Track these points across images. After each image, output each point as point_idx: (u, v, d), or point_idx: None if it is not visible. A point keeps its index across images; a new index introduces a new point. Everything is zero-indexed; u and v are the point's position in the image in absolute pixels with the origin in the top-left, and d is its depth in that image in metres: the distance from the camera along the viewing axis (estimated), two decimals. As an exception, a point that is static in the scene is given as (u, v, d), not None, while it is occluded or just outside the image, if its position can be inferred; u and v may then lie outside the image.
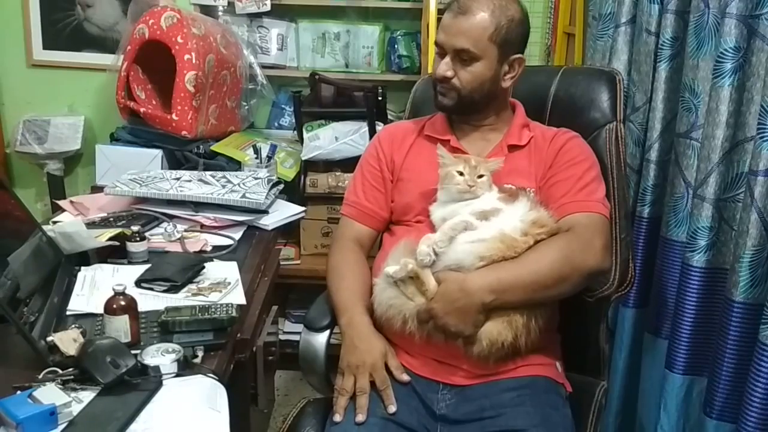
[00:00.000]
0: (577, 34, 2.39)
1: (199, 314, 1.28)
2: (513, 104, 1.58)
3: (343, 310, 1.43)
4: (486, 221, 1.35)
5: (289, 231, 2.41)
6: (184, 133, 2.29)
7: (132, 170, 1.99)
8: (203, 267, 1.53)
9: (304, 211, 2.04)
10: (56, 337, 1.18)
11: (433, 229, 1.42)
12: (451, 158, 1.43)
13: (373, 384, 1.34)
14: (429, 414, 1.35)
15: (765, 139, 1.35)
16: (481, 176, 1.39)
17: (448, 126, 1.55)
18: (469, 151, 1.50)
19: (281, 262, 2.15)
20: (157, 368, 1.15)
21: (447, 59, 1.45)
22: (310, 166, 2.48)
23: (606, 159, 1.56)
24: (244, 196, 1.83)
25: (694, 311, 1.60)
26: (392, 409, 1.31)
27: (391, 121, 2.46)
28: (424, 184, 1.47)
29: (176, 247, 1.68)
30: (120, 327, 1.22)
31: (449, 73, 1.45)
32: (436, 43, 1.48)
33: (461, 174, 1.39)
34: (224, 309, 1.30)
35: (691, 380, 1.64)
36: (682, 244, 1.66)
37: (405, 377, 1.36)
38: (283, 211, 1.94)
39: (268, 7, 2.61)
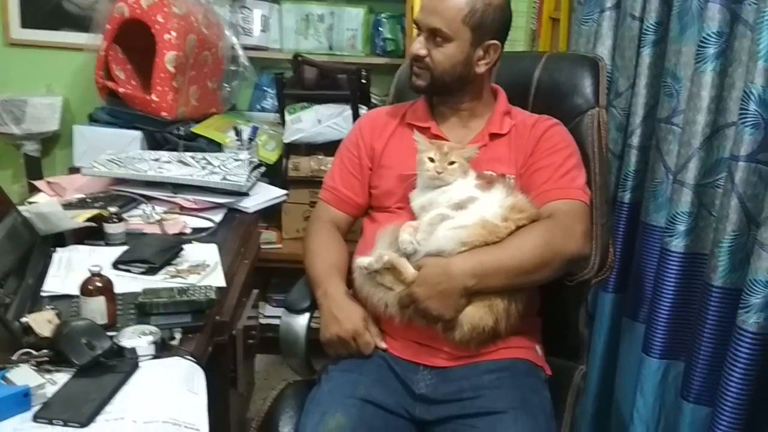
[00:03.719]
0: (562, 19, 2.39)
1: (177, 296, 1.28)
2: (495, 90, 1.57)
3: (318, 283, 1.45)
4: (464, 210, 1.35)
5: (271, 214, 2.40)
6: (164, 114, 2.26)
7: (110, 150, 1.96)
8: (182, 249, 1.52)
9: (286, 194, 2.03)
10: (31, 319, 1.17)
11: (413, 215, 1.42)
12: (426, 144, 1.43)
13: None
14: (408, 394, 1.35)
15: (747, 124, 1.35)
16: (452, 163, 1.39)
17: (429, 112, 1.55)
18: (450, 139, 1.50)
19: (262, 246, 2.13)
20: (133, 350, 1.14)
21: (422, 38, 1.45)
22: (292, 149, 2.47)
23: (588, 144, 1.56)
24: (224, 178, 1.82)
25: (671, 296, 1.61)
26: (384, 345, 1.39)
27: (375, 104, 2.45)
28: (404, 170, 1.47)
29: (155, 229, 1.66)
30: (96, 308, 1.20)
31: (422, 52, 1.44)
32: (414, 21, 1.47)
33: (432, 160, 1.39)
34: (203, 291, 1.30)
35: (667, 364, 1.65)
36: (662, 229, 1.67)
37: (383, 344, 1.39)
38: (265, 194, 1.93)
39: (250, -13, 2.58)
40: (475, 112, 1.53)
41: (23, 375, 1.05)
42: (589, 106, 1.60)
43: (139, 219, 1.70)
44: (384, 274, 1.34)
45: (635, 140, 1.81)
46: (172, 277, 1.41)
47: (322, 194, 1.61)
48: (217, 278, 1.44)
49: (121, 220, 1.59)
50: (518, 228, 1.35)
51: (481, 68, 1.47)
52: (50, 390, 1.05)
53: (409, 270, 1.33)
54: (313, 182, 2.42)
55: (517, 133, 1.50)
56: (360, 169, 1.57)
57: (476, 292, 1.32)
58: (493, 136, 1.50)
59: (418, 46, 1.45)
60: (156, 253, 1.46)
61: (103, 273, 1.24)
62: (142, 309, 1.26)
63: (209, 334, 1.31)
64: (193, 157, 1.94)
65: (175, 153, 2.01)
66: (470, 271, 1.30)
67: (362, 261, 1.36)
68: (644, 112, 1.79)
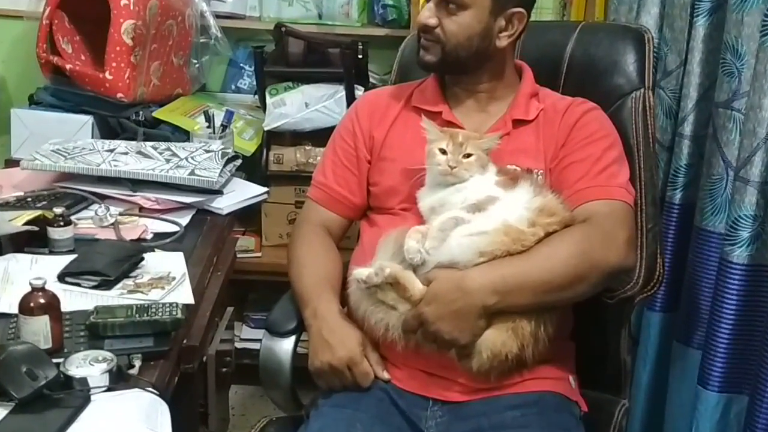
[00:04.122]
0: (600, -18, 2.40)
1: (137, 315, 1.28)
2: (520, 68, 1.58)
3: (307, 301, 1.46)
4: (482, 213, 1.36)
5: (249, 217, 2.41)
6: (120, 95, 2.27)
7: (55, 139, 1.96)
8: (142, 258, 1.53)
9: (267, 192, 2.04)
10: (-41, 343, 1.18)
11: (421, 218, 1.43)
12: (437, 132, 1.44)
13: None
14: (415, 434, 1.36)
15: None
16: (468, 155, 1.39)
17: (441, 94, 1.56)
18: (465, 126, 1.51)
19: (238, 255, 2.15)
20: (83, 380, 1.14)
21: (431, 4, 1.46)
22: (274, 138, 2.48)
23: (631, 134, 1.57)
24: (192, 172, 1.83)
25: (733, 316, 1.62)
26: (387, 376, 1.40)
27: (374, 85, 2.46)
28: (410, 164, 1.48)
29: (109, 234, 1.67)
30: (38, 330, 1.21)
31: (431, 21, 1.46)
32: None
33: (444, 152, 1.40)
34: (167, 309, 1.30)
35: (728, 398, 1.66)
36: (721, 236, 1.68)
37: (386, 375, 1.40)
38: (241, 192, 1.94)
39: (223, -57, 2.59)
40: (496, 94, 1.54)
41: (-49, 411, 1.06)
42: (633, 87, 1.61)
43: (90, 222, 1.71)
44: (386, 289, 1.34)
45: (687, 128, 1.82)
46: (130, 292, 1.42)
47: (310, 192, 1.62)
48: (184, 294, 1.44)
49: (68, 223, 1.59)
50: (548, 234, 1.35)
51: (502, 41, 1.48)
52: (-17, 429, 1.05)
53: (416, 285, 1.33)
54: (300, 178, 2.43)
55: (547, 120, 1.51)
56: (356, 162, 1.58)
57: (498, 312, 1.32)
58: (518, 123, 1.51)
59: (427, 14, 1.46)
60: (111, 263, 1.46)
61: (47, 287, 1.24)
62: (95, 331, 1.26)
63: (175, 362, 1.31)
64: (155, 148, 1.95)
65: (133, 143, 2.02)
66: (491, 287, 1.30)
67: (360, 273, 1.36)
68: (698, 95, 1.80)
